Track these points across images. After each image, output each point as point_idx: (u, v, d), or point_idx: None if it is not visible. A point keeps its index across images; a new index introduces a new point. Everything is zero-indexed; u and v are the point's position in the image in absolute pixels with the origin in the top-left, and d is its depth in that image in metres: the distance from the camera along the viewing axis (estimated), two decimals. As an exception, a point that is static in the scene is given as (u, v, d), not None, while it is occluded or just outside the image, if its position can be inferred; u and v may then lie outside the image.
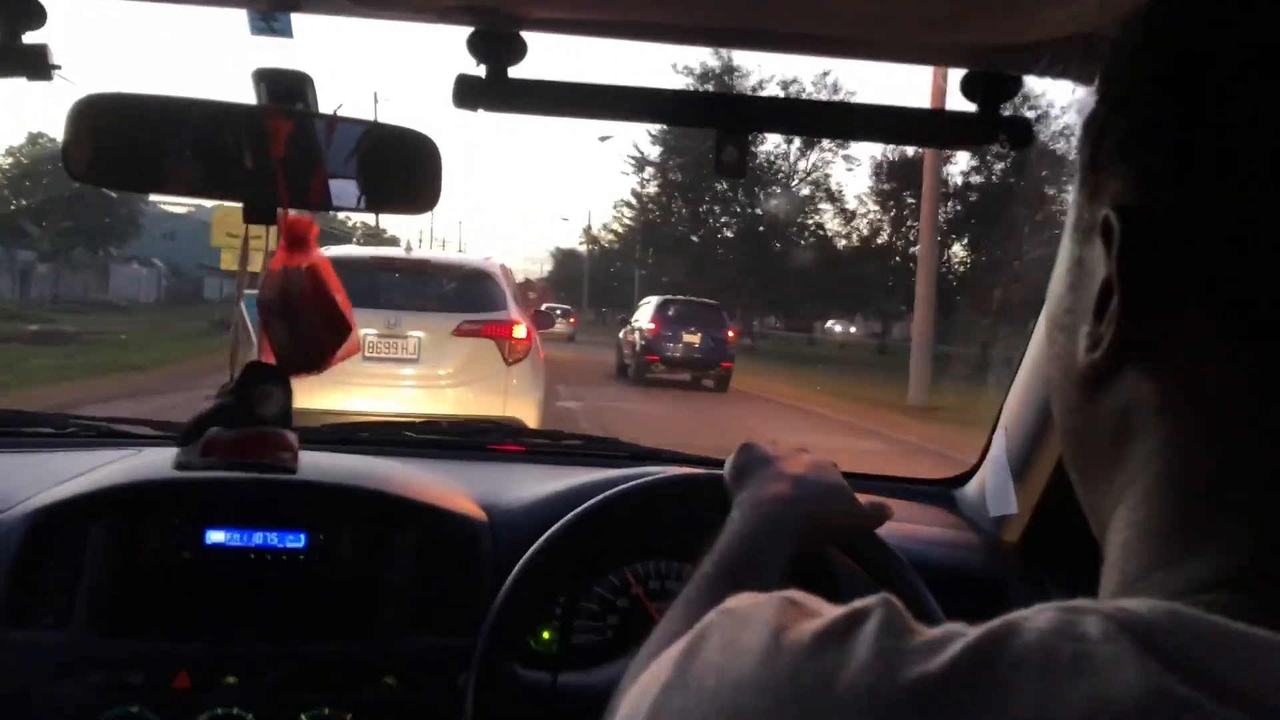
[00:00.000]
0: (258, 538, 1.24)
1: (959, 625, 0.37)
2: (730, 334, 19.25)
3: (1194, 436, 0.42)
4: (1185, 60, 0.42)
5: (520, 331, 6.65)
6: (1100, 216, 0.44)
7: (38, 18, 0.91)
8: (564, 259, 76.14)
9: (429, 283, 7.12)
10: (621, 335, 21.01)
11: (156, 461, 1.40)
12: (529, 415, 6.29)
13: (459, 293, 6.98)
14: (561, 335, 34.69)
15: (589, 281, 62.03)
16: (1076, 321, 0.46)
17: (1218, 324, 0.40)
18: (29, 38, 0.91)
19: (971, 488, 1.60)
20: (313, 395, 5.00)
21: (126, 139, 1.05)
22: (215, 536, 1.23)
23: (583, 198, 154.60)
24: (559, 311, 36.04)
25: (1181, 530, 0.41)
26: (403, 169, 1.12)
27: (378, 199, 1.15)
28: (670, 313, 18.86)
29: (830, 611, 0.40)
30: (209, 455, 1.25)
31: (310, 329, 1.25)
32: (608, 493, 1.16)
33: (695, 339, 18.35)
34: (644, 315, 19.43)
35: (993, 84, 0.97)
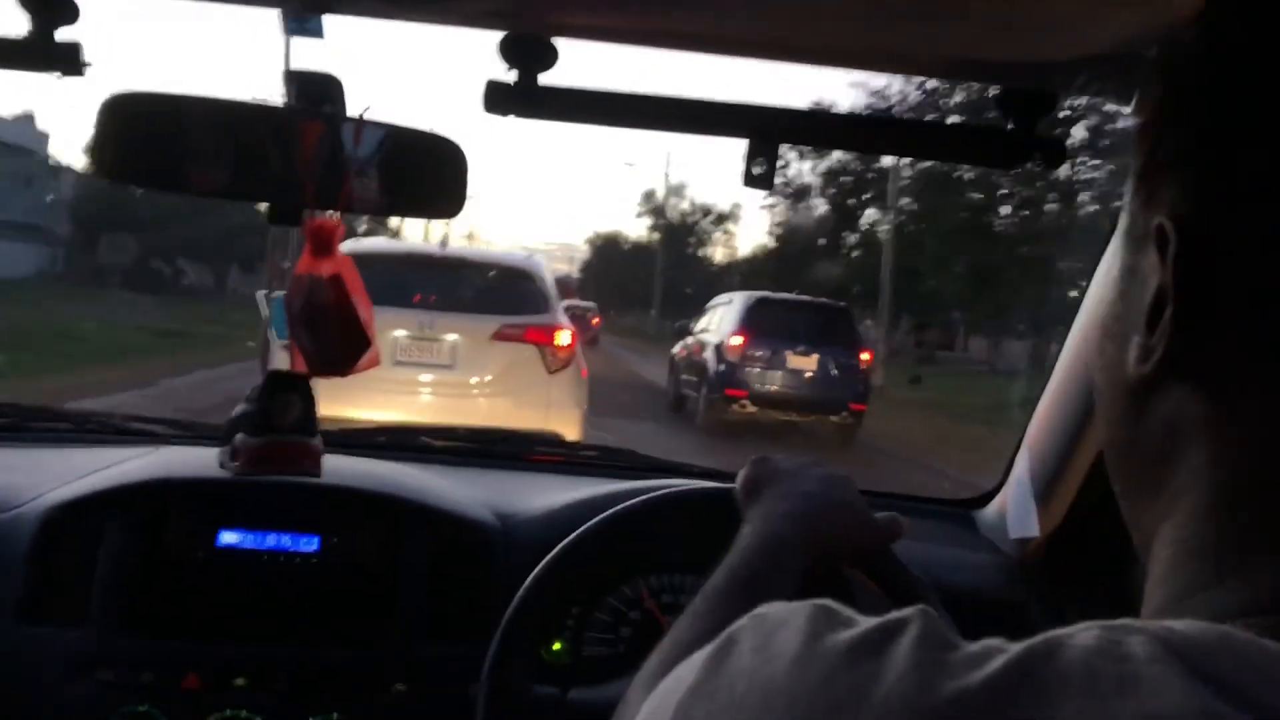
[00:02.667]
0: (271, 540, 1.24)
1: (998, 641, 0.36)
2: (865, 356, 11.97)
3: (1245, 455, 0.41)
4: (1242, 71, 0.41)
5: (564, 337, 6.14)
6: (1154, 225, 0.43)
7: (70, 14, 0.91)
8: (604, 247, 58.44)
9: (465, 281, 6.55)
10: (677, 351, 13.93)
11: (173, 460, 1.40)
12: (571, 429, 5.78)
13: (498, 293, 6.40)
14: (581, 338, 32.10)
15: (663, 267, 43.45)
16: (1127, 331, 0.46)
17: (1270, 340, 0.40)
18: (61, 34, 0.91)
19: (992, 508, 1.59)
20: (341, 403, 4.86)
21: (155, 137, 1.04)
22: (229, 538, 1.23)
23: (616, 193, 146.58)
24: (584, 312, 31.85)
25: (1231, 550, 0.41)
26: (429, 173, 1.12)
27: (403, 203, 1.15)
28: (768, 318, 11.79)
29: (865, 621, 0.40)
30: (235, 461, 1.25)
31: (331, 339, 1.25)
32: (621, 505, 1.16)
33: (809, 363, 11.40)
34: (721, 321, 12.37)
35: (1028, 101, 0.96)
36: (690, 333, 13.67)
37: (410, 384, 5.93)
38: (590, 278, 57.72)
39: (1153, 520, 0.45)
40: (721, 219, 48.40)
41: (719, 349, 11.71)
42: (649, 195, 50.55)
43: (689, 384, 12.87)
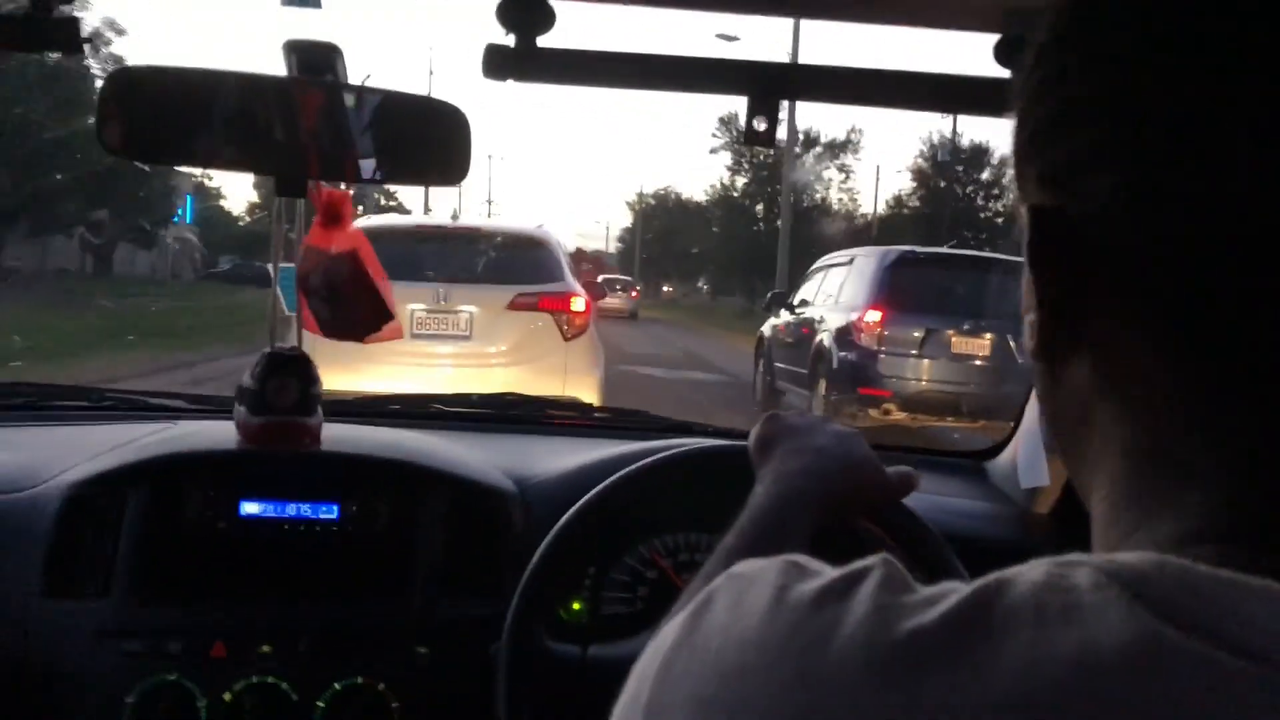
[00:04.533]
0: (291, 509, 1.25)
1: (956, 583, 0.38)
2: None
3: (1137, 417, 0.43)
4: (1081, 55, 0.43)
5: (579, 304, 6.17)
6: (1022, 212, 0.46)
7: None
8: (652, 211, 47.05)
9: (479, 253, 6.56)
10: (769, 331, 10.41)
11: (192, 434, 1.41)
12: (589, 395, 5.87)
13: (511, 263, 6.43)
14: (619, 311, 28.46)
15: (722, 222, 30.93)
16: (1026, 311, 0.48)
17: (1130, 312, 0.42)
18: (60, 10, 0.92)
19: (1003, 459, 1.59)
20: (358, 375, 4.91)
21: (160, 111, 1.05)
22: (250, 508, 1.24)
23: (643, 165, 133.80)
24: (619, 286, 30.72)
25: (1148, 496, 0.43)
26: (431, 140, 1.12)
27: (407, 171, 1.16)
28: (917, 283, 8.09)
29: (832, 571, 0.42)
30: (239, 432, 1.27)
31: (352, 312, 1.26)
32: (636, 465, 1.17)
33: (980, 346, 7.82)
34: (841, 288, 8.75)
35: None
36: (788, 305, 10.11)
37: (428, 355, 5.96)
38: (631, 248, 47.58)
39: (1087, 478, 0.48)
40: (836, 150, 34.60)
41: (846, 331, 8.07)
42: (728, 121, 36.48)
43: (790, 376, 9.37)
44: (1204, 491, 0.40)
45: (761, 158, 35.42)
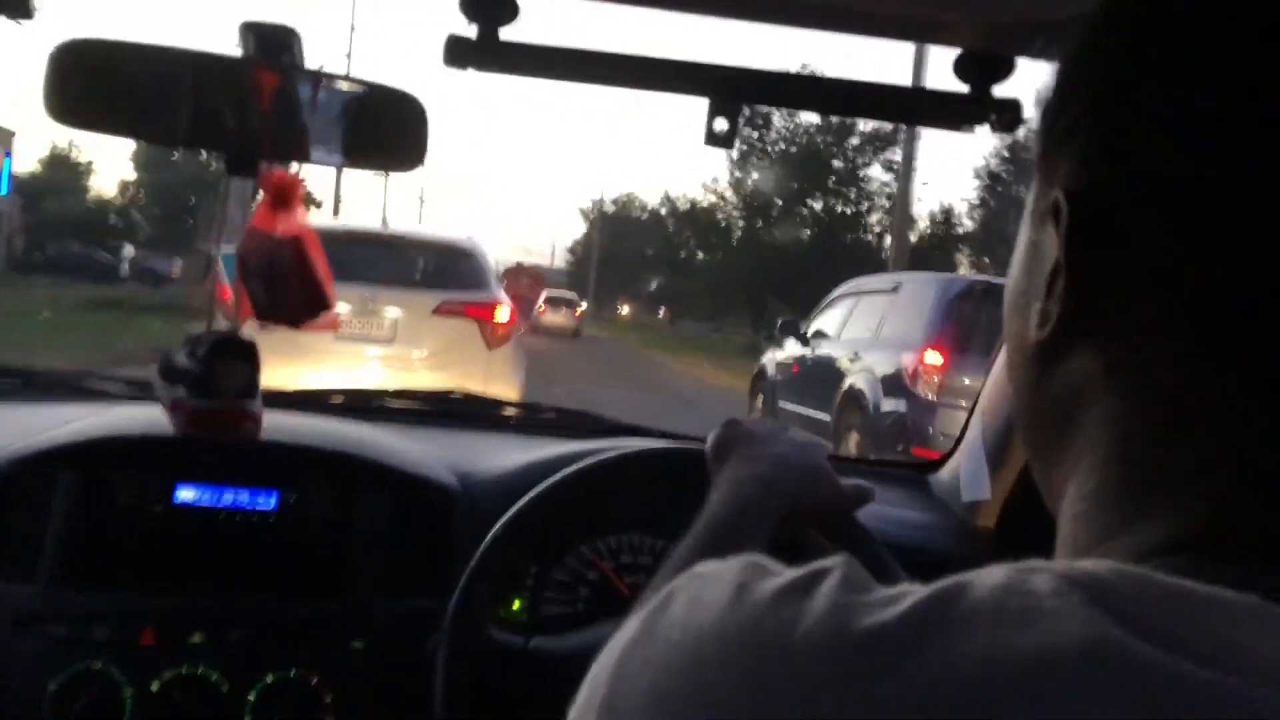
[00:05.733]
0: (228, 496, 1.23)
1: (916, 585, 0.38)
2: None
3: (1139, 412, 0.43)
4: (1125, 47, 0.44)
5: (503, 313, 6.33)
6: (1051, 199, 0.45)
7: None
8: (611, 221, 45.11)
9: (406, 259, 6.77)
10: (772, 366, 9.55)
11: (128, 417, 1.38)
12: None
13: (438, 270, 6.63)
14: (561, 329, 28.04)
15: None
16: (1030, 301, 0.48)
17: (1159, 303, 0.42)
18: None
19: (945, 472, 1.61)
20: (280, 374, 4.86)
21: (109, 84, 1.03)
22: (185, 494, 1.22)
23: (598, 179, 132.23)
24: (563, 303, 30.30)
25: (1130, 501, 0.43)
26: (387, 127, 1.11)
27: (361, 156, 1.14)
28: (988, 321, 6.39)
29: (792, 571, 0.42)
30: (173, 416, 1.23)
31: (290, 299, 1.24)
32: (581, 463, 1.16)
33: None
34: (883, 321, 7.53)
35: (986, 64, 0.96)
36: (800, 336, 8.85)
37: (351, 357, 6.02)
38: (583, 261, 45.00)
39: (1060, 481, 0.48)
40: (879, 143, 27.43)
41: (893, 374, 6.79)
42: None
43: (802, 421, 7.98)
44: (1188, 498, 0.41)
45: (783, 146, 29.31)
